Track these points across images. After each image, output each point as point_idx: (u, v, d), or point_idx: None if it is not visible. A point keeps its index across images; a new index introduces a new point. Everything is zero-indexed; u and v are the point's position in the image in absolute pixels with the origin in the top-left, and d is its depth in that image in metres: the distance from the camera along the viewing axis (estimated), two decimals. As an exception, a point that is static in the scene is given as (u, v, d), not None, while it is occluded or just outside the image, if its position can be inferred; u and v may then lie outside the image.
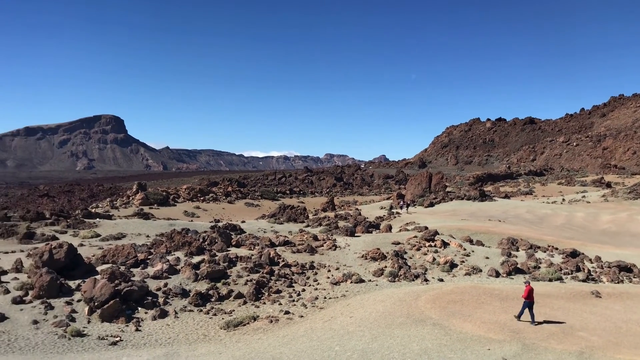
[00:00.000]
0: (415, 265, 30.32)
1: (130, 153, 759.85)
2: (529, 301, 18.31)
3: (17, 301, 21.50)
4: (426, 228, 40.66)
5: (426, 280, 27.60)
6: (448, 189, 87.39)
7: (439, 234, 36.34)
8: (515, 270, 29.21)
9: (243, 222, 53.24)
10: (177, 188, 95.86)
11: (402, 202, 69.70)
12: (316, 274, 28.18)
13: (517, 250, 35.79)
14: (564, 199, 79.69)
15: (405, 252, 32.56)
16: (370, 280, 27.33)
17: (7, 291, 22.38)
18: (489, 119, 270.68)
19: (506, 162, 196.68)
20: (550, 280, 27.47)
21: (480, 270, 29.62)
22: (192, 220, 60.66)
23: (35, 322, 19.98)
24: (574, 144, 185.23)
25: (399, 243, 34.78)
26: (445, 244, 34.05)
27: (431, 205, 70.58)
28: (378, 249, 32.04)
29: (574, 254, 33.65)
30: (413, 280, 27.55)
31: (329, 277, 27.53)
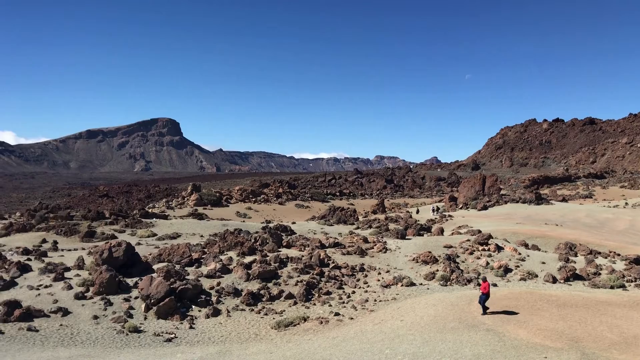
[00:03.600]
0: (468, 270, 29.69)
1: (185, 155, 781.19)
2: (485, 294, 19.75)
3: (79, 297, 22.52)
4: (479, 231, 39.74)
5: (479, 284, 26.95)
6: (502, 192, 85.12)
7: (492, 238, 35.46)
8: (574, 277, 28.08)
9: (293, 223, 53.73)
10: (229, 189, 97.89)
11: (433, 206, 68.89)
12: (366, 276, 28.07)
13: (576, 255, 34.39)
14: (626, 203, 76.03)
15: (458, 256, 31.94)
16: (421, 284, 26.97)
17: (70, 287, 23.50)
18: (545, 120, 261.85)
19: (564, 165, 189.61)
20: (612, 287, 26.23)
21: (536, 276, 28.65)
22: (244, 221, 61.74)
23: (96, 317, 20.86)
24: (639, 145, 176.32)
25: (451, 246, 34.15)
26: (499, 248, 33.16)
27: (484, 208, 68.94)
28: (429, 252, 31.58)
29: (638, 260, 32.00)
30: (465, 284, 26.98)
31: (379, 280, 27.37)
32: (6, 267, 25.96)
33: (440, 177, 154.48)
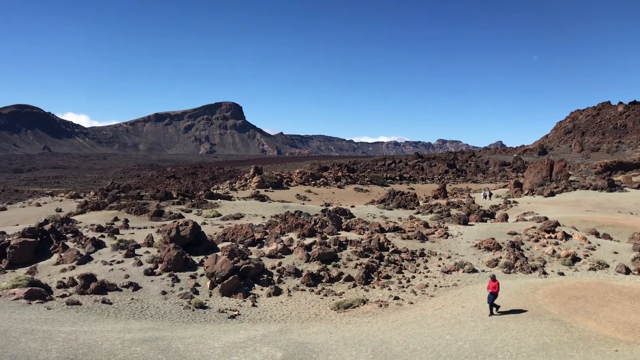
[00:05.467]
0: (533, 257, 28.76)
1: (248, 138, 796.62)
2: (494, 294, 18.35)
3: (149, 273, 23.64)
4: (546, 218, 38.32)
5: (545, 273, 26.09)
6: (571, 178, 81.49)
7: (560, 225, 34.10)
8: (649, 268, 26.60)
9: (352, 206, 53.82)
10: (290, 172, 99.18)
11: (485, 192, 67.12)
12: (426, 261, 27.81)
13: (652, 246, 32.51)
14: None
15: (522, 243, 30.99)
16: (483, 271, 26.42)
17: (140, 263, 24.71)
18: (621, 103, 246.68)
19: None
20: (691, 281, 24.69)
21: (607, 266, 27.38)
22: (303, 204, 62.48)
23: (164, 292, 21.85)
24: None
25: (515, 233, 33.16)
26: (567, 236, 31.88)
27: (552, 194, 66.28)
28: (493, 238, 30.81)
29: None
30: (530, 272, 26.19)
31: (439, 266, 27.04)
32: (82, 242, 27.60)
33: (505, 161, 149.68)
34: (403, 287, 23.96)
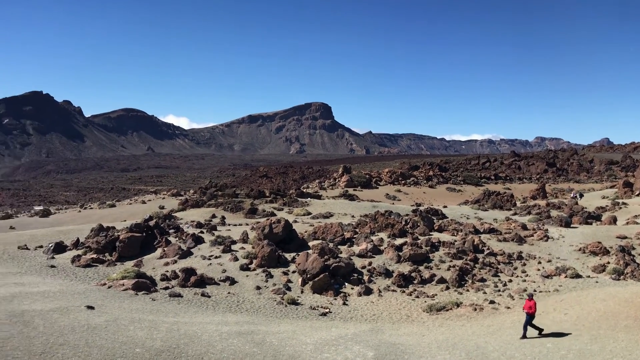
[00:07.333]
0: (646, 264, 26.43)
1: (336, 138, 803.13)
2: (530, 315, 16.41)
3: (244, 268, 24.52)
4: (661, 222, 35.10)
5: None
6: (691, 178, 73.92)
7: (678, 230, 31.10)
8: None
9: (445, 207, 52.50)
10: (379, 171, 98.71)
11: (574, 192, 62.45)
12: (524, 264, 26.48)
13: None
14: None
15: (634, 248, 28.61)
16: (588, 276, 24.67)
17: (236, 259, 25.68)
18: None
19: None
20: None
21: None
22: (393, 203, 61.91)
23: (258, 288, 22.54)
24: None
25: (625, 237, 30.66)
26: (686, 242, 29.00)
27: (667, 195, 60.54)
28: (599, 242, 28.71)
29: None
30: (643, 280, 24.08)
31: (539, 270, 25.63)
32: (183, 238, 29.18)
33: (613, 160, 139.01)
34: (499, 290, 22.97)
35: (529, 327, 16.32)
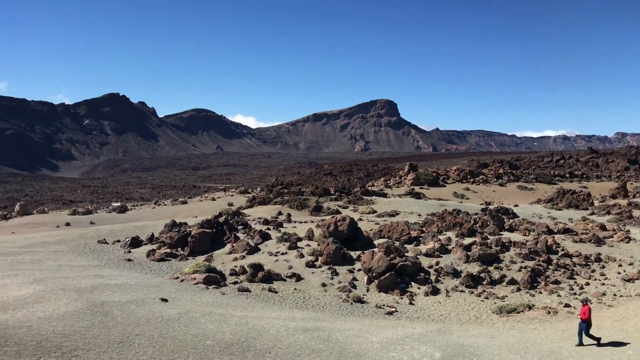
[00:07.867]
0: None
1: (402, 135, 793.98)
2: (585, 321, 15.17)
3: (309, 265, 24.78)
4: None
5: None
6: None
7: None
8: None
9: (516, 206, 50.72)
10: (446, 169, 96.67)
11: None
12: (603, 267, 25.09)
13: None
14: None
15: None
16: (675, 281, 23.03)
17: (302, 255, 25.99)
18: None
19: None
20: None
21: None
22: (461, 202, 60.44)
23: (324, 285, 22.70)
24: None
25: None
26: None
27: None
28: (687, 245, 26.76)
29: None
30: None
31: (619, 273, 24.21)
32: (251, 234, 29.87)
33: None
34: (575, 294, 21.90)
35: (584, 336, 15.18)
